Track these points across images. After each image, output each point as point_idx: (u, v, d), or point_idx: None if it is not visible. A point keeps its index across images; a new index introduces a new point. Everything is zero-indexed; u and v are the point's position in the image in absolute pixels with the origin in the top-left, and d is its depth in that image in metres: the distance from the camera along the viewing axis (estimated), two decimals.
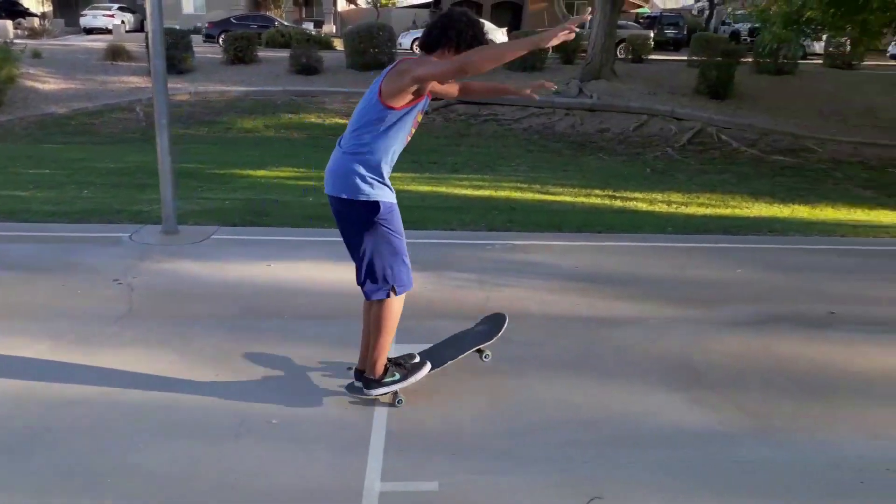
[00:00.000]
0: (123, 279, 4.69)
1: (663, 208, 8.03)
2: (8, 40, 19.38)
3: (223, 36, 21.59)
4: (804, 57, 22.53)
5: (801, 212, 8.25)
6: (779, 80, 19.31)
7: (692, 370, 3.69)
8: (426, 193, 8.26)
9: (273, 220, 6.48)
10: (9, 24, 23.52)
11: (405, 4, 53.22)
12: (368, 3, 50.74)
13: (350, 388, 3.28)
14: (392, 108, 2.83)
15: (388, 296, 3.04)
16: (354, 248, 3.05)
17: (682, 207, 8.12)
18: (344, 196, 2.92)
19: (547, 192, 8.93)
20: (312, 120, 15.22)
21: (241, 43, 19.60)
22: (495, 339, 3.49)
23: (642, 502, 2.62)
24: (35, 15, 32.21)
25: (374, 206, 2.92)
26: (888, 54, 27.15)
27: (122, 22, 29.39)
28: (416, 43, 23.46)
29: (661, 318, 4.39)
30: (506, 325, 3.56)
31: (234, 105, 15.99)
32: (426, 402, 3.24)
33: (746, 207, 8.39)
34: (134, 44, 20.25)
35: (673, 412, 3.25)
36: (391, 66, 2.90)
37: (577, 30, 2.69)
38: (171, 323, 4.02)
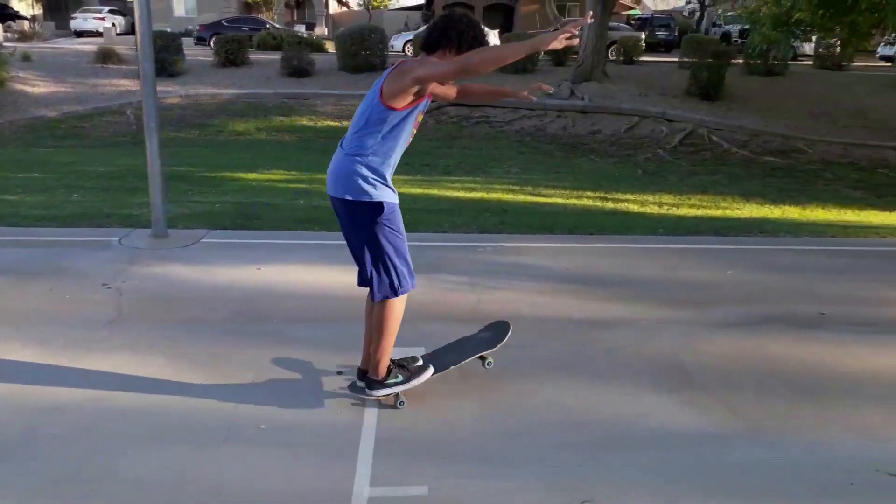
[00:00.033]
0: (112, 283, 4.66)
1: (654, 210, 8.04)
2: None
3: (214, 38, 21.52)
4: (794, 58, 22.66)
5: (792, 212, 8.28)
6: (769, 82, 19.42)
7: (683, 371, 3.69)
8: (418, 196, 8.24)
9: (264, 224, 6.45)
10: None
11: (397, 7, 53.26)
12: (360, 5, 50.72)
13: (352, 388, 3.29)
14: (394, 109, 2.84)
15: (390, 296, 3.05)
16: (357, 249, 3.08)
17: (674, 209, 8.14)
18: (347, 197, 2.93)
19: (539, 194, 8.93)
20: (304, 122, 15.20)
21: (232, 45, 19.57)
22: (498, 346, 3.50)
23: None
24: (25, 18, 32.03)
25: (377, 206, 2.93)
26: (877, 55, 27.31)
27: (113, 25, 29.25)
28: (410, 44, 23.47)
29: (653, 319, 4.39)
30: (509, 334, 3.56)
31: (225, 108, 15.95)
32: (416, 405, 3.22)
33: (737, 208, 8.42)
34: (124, 47, 20.18)
35: (664, 414, 3.25)
36: (392, 67, 2.91)
37: (577, 33, 2.69)
38: (160, 327, 4.00)
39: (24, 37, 26.43)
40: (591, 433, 3.07)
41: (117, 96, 16.19)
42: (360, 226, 2.99)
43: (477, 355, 3.46)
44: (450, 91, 3.27)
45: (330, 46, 22.95)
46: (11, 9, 32.45)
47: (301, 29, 31.79)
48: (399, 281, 3.04)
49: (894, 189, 10.94)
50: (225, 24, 27.52)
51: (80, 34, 30.52)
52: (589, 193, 9.03)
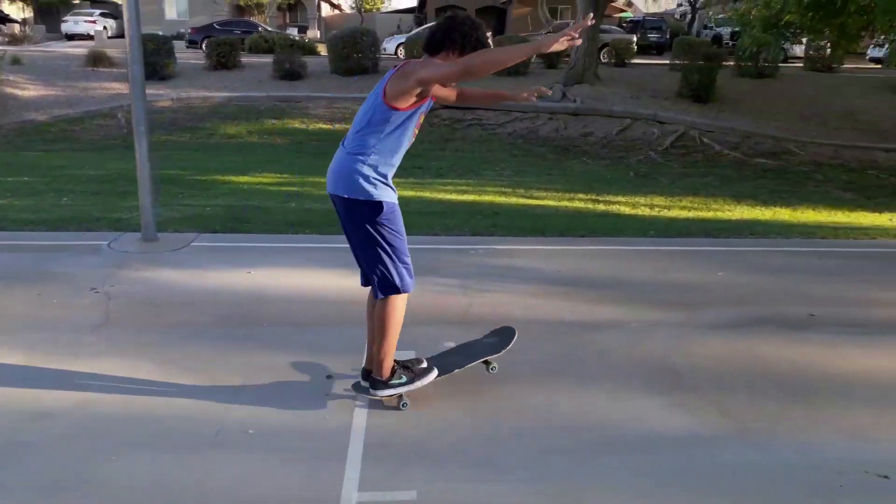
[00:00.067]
0: (101, 288, 4.63)
1: (646, 212, 8.05)
2: None
3: (206, 42, 21.48)
4: (785, 60, 22.76)
5: (783, 214, 8.31)
6: (760, 84, 19.50)
7: (675, 374, 3.68)
8: (410, 198, 8.21)
9: (254, 227, 6.43)
10: None
11: (390, 9, 53.30)
12: (353, 8, 50.74)
13: (356, 388, 3.29)
14: (397, 109, 2.86)
15: (390, 295, 3.06)
16: (357, 247, 3.11)
17: (665, 211, 8.15)
18: (347, 196, 2.95)
19: (531, 197, 8.94)
20: (296, 125, 15.16)
21: (223, 48, 19.53)
22: (503, 351, 3.50)
23: None
24: (15, 21, 31.94)
25: (377, 206, 2.95)
26: (867, 57, 27.48)
27: (105, 28, 29.22)
28: (402, 47, 23.46)
29: (644, 321, 4.39)
30: (515, 339, 3.57)
31: (216, 111, 15.91)
32: (405, 409, 3.20)
33: (728, 210, 8.44)
34: (116, 50, 20.10)
35: (655, 416, 3.24)
36: (395, 68, 2.92)
37: (578, 35, 2.70)
38: (149, 332, 3.97)
39: (14, 40, 26.32)
40: (582, 436, 3.06)
41: (108, 99, 16.13)
42: (359, 225, 3.00)
43: (482, 359, 3.46)
44: (450, 94, 3.28)
45: (322, 49, 22.94)
46: (2, 12, 32.33)
47: (293, 32, 31.75)
48: (399, 280, 3.06)
49: (884, 190, 11.00)
50: (217, 27, 27.49)
51: (71, 37, 30.39)
52: (581, 195, 9.03)
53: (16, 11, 36.08)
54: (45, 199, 7.60)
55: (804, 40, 19.78)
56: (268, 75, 18.70)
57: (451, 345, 3.78)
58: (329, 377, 3.48)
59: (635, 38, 24.98)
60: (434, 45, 2.94)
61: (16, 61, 18.43)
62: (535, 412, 3.25)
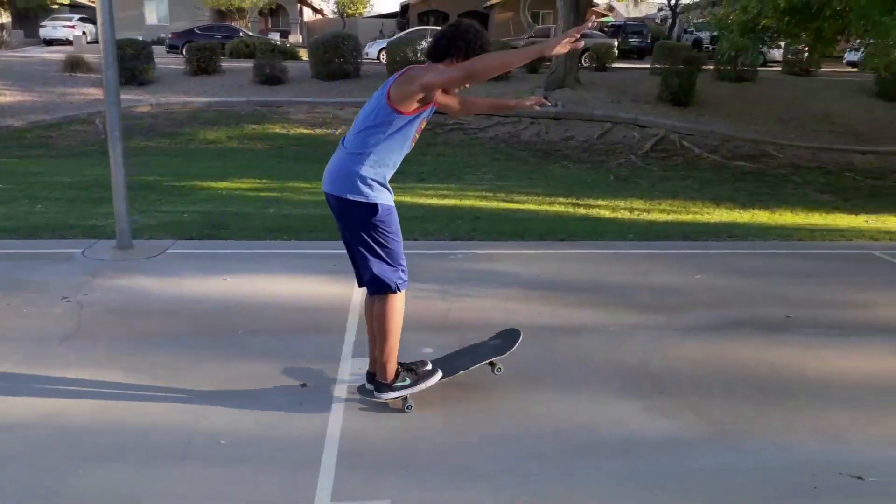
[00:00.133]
0: (73, 297, 4.55)
1: (625, 215, 8.07)
2: None
3: (186, 47, 21.33)
4: (764, 64, 23.02)
5: (761, 216, 8.36)
6: (739, 87, 19.68)
7: (654, 377, 3.68)
8: None
9: (231, 234, 6.36)
10: None
11: (372, 14, 53.29)
12: (335, 12, 50.69)
13: (361, 391, 3.30)
14: (401, 113, 2.87)
15: (389, 292, 3.06)
16: (352, 248, 3.10)
17: (644, 214, 8.18)
18: (343, 196, 2.94)
19: (512, 201, 8.93)
20: (276, 130, 15.07)
21: (204, 54, 19.40)
22: (508, 353, 3.50)
23: None
24: None
25: (373, 207, 2.95)
26: (844, 61, 27.85)
27: (84, 33, 28.86)
28: (384, 52, 23.42)
29: (623, 325, 4.39)
30: (520, 341, 3.57)
31: (196, 116, 15.78)
32: (381, 416, 3.17)
33: (707, 213, 8.48)
34: (95, 55, 19.88)
35: (635, 420, 3.23)
36: (399, 73, 2.93)
37: (578, 36, 2.70)
38: (120, 341, 3.90)
39: None
40: (561, 441, 3.04)
41: (86, 105, 15.94)
42: (354, 226, 3.00)
43: (486, 361, 3.46)
44: (453, 102, 3.30)
45: (304, 54, 22.85)
46: None
47: (275, 37, 31.62)
48: (395, 281, 3.06)
49: (860, 192, 11.12)
50: (198, 32, 27.31)
51: (49, 42, 30.05)
52: (561, 199, 9.05)
53: None
54: (19, 207, 7.48)
55: (782, 44, 20.00)
56: (248, 80, 18.60)
57: (429, 350, 3.76)
58: (304, 385, 3.44)
59: (616, 43, 25.12)
60: (438, 52, 2.95)
61: None
62: (513, 417, 3.23)
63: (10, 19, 37.37)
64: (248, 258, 5.57)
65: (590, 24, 2.90)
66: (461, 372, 3.36)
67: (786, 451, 3.01)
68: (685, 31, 34.14)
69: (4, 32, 30.68)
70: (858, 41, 13.87)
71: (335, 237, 6.24)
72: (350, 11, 50.21)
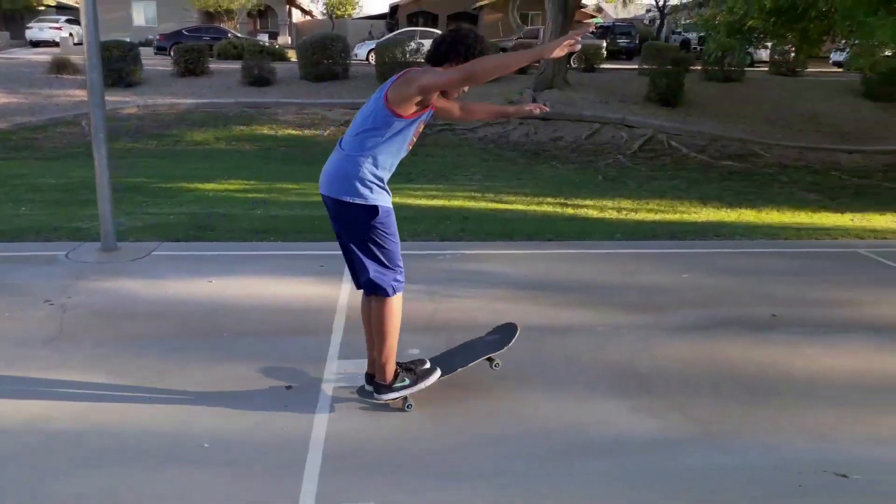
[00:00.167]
0: (56, 300, 4.50)
1: (613, 215, 8.09)
2: None
3: (174, 48, 21.22)
4: (751, 64, 23.16)
5: (748, 215, 8.40)
6: (727, 87, 19.79)
7: (641, 377, 3.67)
8: None
9: (218, 235, 6.32)
10: None
11: (361, 15, 53.25)
12: (324, 14, 50.62)
13: (361, 392, 3.29)
14: (399, 116, 2.86)
15: (387, 296, 3.06)
16: (349, 250, 3.07)
17: (632, 214, 8.19)
18: (342, 198, 2.93)
19: (500, 201, 8.93)
20: (265, 131, 15.02)
21: (191, 55, 19.32)
22: (506, 348, 3.50)
23: None
24: None
25: (373, 210, 2.94)
26: (830, 61, 28.06)
27: (70, 34, 28.64)
28: (373, 53, 23.37)
29: (611, 324, 4.39)
30: (517, 335, 3.57)
31: (184, 118, 15.70)
32: (366, 418, 3.16)
33: (695, 212, 8.51)
34: (81, 56, 19.70)
35: (622, 420, 3.22)
36: (397, 75, 2.92)
37: (580, 40, 2.71)
38: (104, 344, 3.86)
39: None
40: (549, 442, 3.02)
41: (72, 107, 15.83)
42: (354, 227, 2.99)
43: (485, 357, 3.46)
44: (453, 108, 3.29)
45: (292, 55, 22.80)
46: None
47: (264, 38, 31.52)
48: (393, 282, 3.06)
49: (846, 191, 11.20)
50: (185, 33, 27.19)
51: (36, 44, 29.80)
52: (549, 200, 9.05)
53: None
54: (3, 209, 7.41)
55: (769, 45, 20.13)
56: (237, 81, 18.53)
57: (416, 351, 3.74)
58: (289, 387, 3.41)
59: (605, 44, 25.19)
60: (438, 57, 2.95)
61: None
62: (501, 418, 3.22)
63: None
64: (235, 260, 5.54)
65: (590, 30, 2.89)
66: (460, 369, 3.36)
67: (772, 450, 3.01)
68: (673, 32, 34.29)
69: None
70: (844, 42, 13.97)
71: (322, 238, 6.23)
72: (339, 13, 50.16)
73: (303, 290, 4.84)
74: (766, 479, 2.80)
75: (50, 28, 30.64)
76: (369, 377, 3.28)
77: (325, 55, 18.79)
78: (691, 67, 19.45)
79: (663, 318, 4.52)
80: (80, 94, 16.80)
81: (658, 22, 37.37)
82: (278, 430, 3.04)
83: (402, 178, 10.83)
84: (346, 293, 4.76)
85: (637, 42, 28.76)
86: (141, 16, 38.34)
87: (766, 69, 23.41)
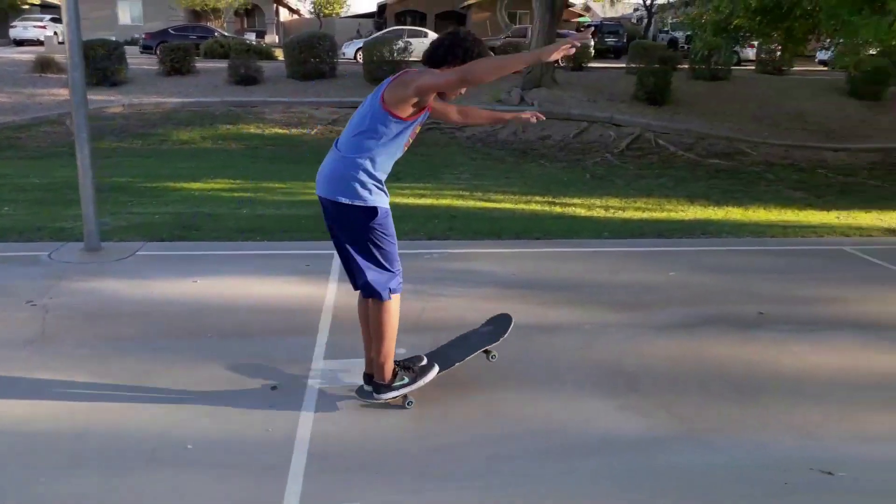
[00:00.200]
0: (38, 300, 4.44)
1: (601, 213, 8.10)
2: None
3: (160, 47, 21.06)
4: (738, 63, 23.26)
5: (735, 213, 8.43)
6: (714, 86, 19.87)
7: (629, 375, 3.67)
8: None
9: (203, 235, 6.27)
10: None
11: (349, 14, 53.11)
12: (311, 13, 50.43)
13: (360, 393, 3.28)
14: (397, 117, 2.85)
15: (384, 298, 3.05)
16: (346, 251, 3.05)
17: (620, 212, 8.20)
18: (341, 200, 2.91)
19: (488, 200, 8.92)
20: (251, 130, 14.93)
21: (177, 54, 19.18)
22: (501, 339, 3.50)
23: None
24: None
25: (372, 211, 2.93)
26: (816, 60, 28.26)
27: (55, 33, 28.35)
28: (360, 52, 23.30)
29: (598, 323, 4.38)
30: (512, 326, 3.58)
31: (170, 117, 15.58)
32: (351, 418, 3.13)
33: (682, 210, 8.53)
34: (65, 56, 19.53)
35: (610, 419, 3.22)
36: (394, 76, 2.91)
37: (579, 45, 2.70)
38: (86, 345, 3.81)
39: None
40: (534, 442, 3.01)
41: (56, 106, 15.66)
42: (352, 229, 2.97)
43: (481, 350, 3.45)
44: (450, 111, 3.28)
45: (280, 54, 22.69)
46: None
47: (251, 37, 31.36)
48: (392, 283, 3.05)
49: (832, 189, 11.26)
50: (172, 32, 27.02)
51: (20, 43, 29.49)
52: (537, 198, 9.05)
53: None
54: None
55: (755, 43, 20.24)
56: (223, 80, 18.42)
57: (402, 351, 3.71)
58: (274, 388, 3.38)
59: (593, 43, 25.23)
60: (436, 59, 2.94)
61: None
62: (487, 418, 3.20)
63: None
64: (220, 260, 5.49)
65: (589, 36, 2.88)
66: (457, 364, 3.35)
67: (759, 448, 3.01)
68: (661, 31, 34.40)
69: None
70: (829, 40, 14.06)
71: (309, 237, 6.20)
72: (327, 11, 50.00)
73: (288, 290, 4.80)
74: (752, 478, 2.79)
75: (34, 27, 30.34)
76: (368, 377, 3.27)
77: (312, 54, 18.71)
78: (679, 66, 19.51)
79: (651, 317, 4.52)
80: (65, 93, 16.61)
81: (645, 21, 37.47)
82: (263, 431, 3.01)
83: (390, 176, 10.65)
84: (332, 293, 4.73)
85: (625, 41, 28.82)
86: (126, 14, 38.05)
87: (753, 68, 23.53)
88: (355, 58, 24.14)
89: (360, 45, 23.99)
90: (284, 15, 48.47)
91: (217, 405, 3.21)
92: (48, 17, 32.05)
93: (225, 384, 3.42)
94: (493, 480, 2.72)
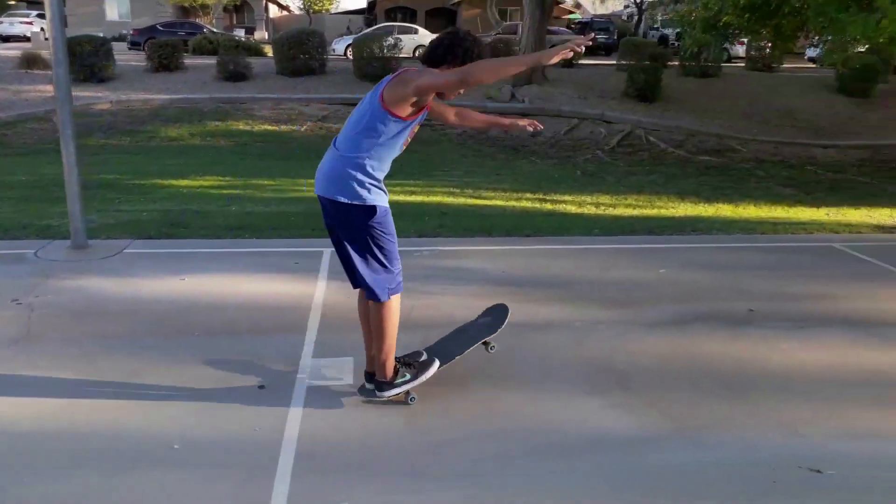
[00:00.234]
0: (24, 299, 4.39)
1: (592, 210, 8.09)
2: None
3: (148, 43, 20.89)
4: (728, 60, 23.33)
5: (725, 210, 8.44)
6: (704, 83, 19.90)
7: (619, 373, 3.66)
8: None
9: (191, 232, 6.22)
10: None
11: (339, 10, 52.94)
12: (301, 9, 50.23)
13: (362, 391, 3.26)
14: (396, 117, 2.83)
15: (384, 298, 3.03)
16: (346, 250, 3.04)
17: (610, 209, 8.20)
18: (340, 199, 2.90)
19: (479, 197, 8.90)
20: (240, 127, 14.84)
21: (166, 50, 19.02)
22: (499, 330, 3.48)
23: None
24: None
25: (371, 210, 2.91)
26: (806, 57, 28.38)
27: (42, 29, 28.09)
28: (350, 48, 23.21)
29: (588, 320, 4.37)
30: (509, 316, 3.56)
31: (158, 113, 15.47)
32: (339, 418, 3.11)
33: (672, 207, 8.53)
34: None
35: (600, 417, 3.21)
36: (393, 74, 2.89)
37: (580, 50, 2.69)
38: (73, 344, 3.77)
39: None
40: (526, 440, 3.00)
41: (42, 102, 15.50)
42: (351, 228, 2.96)
43: (480, 342, 3.44)
44: (448, 112, 3.27)
45: (269, 50, 22.56)
46: None
47: (240, 33, 31.18)
48: (392, 282, 3.04)
49: (821, 186, 11.31)
50: (160, 28, 26.81)
51: (6, 39, 29.22)
52: (528, 195, 9.04)
53: None
54: None
55: (745, 41, 20.30)
56: (212, 77, 18.29)
57: None
58: (262, 387, 3.35)
59: (590, 45, 25.20)
60: (436, 59, 2.92)
61: None
62: (476, 416, 3.18)
63: None
64: (209, 257, 5.44)
65: (590, 40, 2.86)
66: (458, 357, 3.34)
67: (749, 445, 3.01)
68: (651, 28, 34.48)
69: None
70: (817, 38, 14.11)
71: (298, 235, 6.16)
72: (316, 8, 49.83)
73: (277, 288, 4.77)
74: (741, 475, 2.79)
75: (21, 23, 30.10)
76: (369, 375, 3.26)
77: (301, 50, 18.60)
78: (669, 63, 19.53)
79: (641, 314, 4.52)
80: (51, 90, 16.43)
81: (636, 18, 37.56)
82: (250, 430, 2.98)
83: None
84: (321, 290, 4.70)
85: (615, 38, 28.85)
86: (114, 10, 37.76)
87: (743, 65, 23.60)
88: (345, 54, 24.03)
89: (351, 41, 23.88)
90: (274, 11, 48.25)
91: (204, 404, 3.18)
92: (34, 13, 31.75)
93: (213, 383, 3.38)
94: (483, 479, 2.71)
